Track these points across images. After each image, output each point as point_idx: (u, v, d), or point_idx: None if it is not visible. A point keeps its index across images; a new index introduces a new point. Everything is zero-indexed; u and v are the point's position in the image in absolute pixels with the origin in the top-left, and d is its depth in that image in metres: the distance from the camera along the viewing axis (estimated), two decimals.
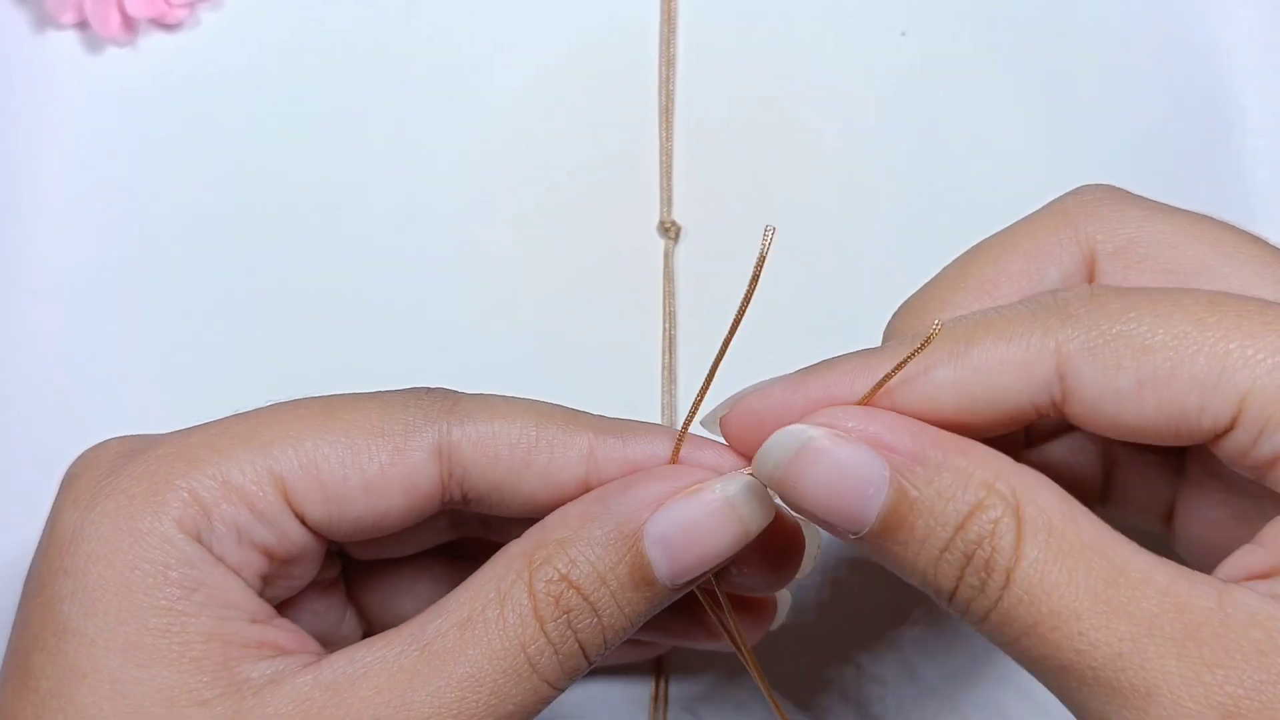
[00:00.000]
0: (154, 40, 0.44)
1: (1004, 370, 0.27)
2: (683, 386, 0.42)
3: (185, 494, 0.28)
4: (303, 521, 0.30)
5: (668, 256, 0.43)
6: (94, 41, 0.44)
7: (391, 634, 0.28)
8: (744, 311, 0.29)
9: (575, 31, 0.45)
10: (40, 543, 0.29)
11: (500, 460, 0.30)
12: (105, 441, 0.31)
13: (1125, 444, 0.32)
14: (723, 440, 0.30)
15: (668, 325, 0.42)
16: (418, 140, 0.44)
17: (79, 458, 0.31)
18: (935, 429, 0.27)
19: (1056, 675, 0.26)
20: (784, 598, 0.35)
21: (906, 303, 0.31)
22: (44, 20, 0.44)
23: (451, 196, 0.43)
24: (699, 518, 0.29)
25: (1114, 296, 0.27)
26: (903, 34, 0.45)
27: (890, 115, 0.44)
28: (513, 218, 0.43)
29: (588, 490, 0.30)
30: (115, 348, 0.42)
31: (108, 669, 0.27)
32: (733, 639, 0.32)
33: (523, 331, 0.42)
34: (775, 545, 0.31)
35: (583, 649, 0.29)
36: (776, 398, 0.29)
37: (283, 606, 0.31)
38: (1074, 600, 0.25)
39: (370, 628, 0.34)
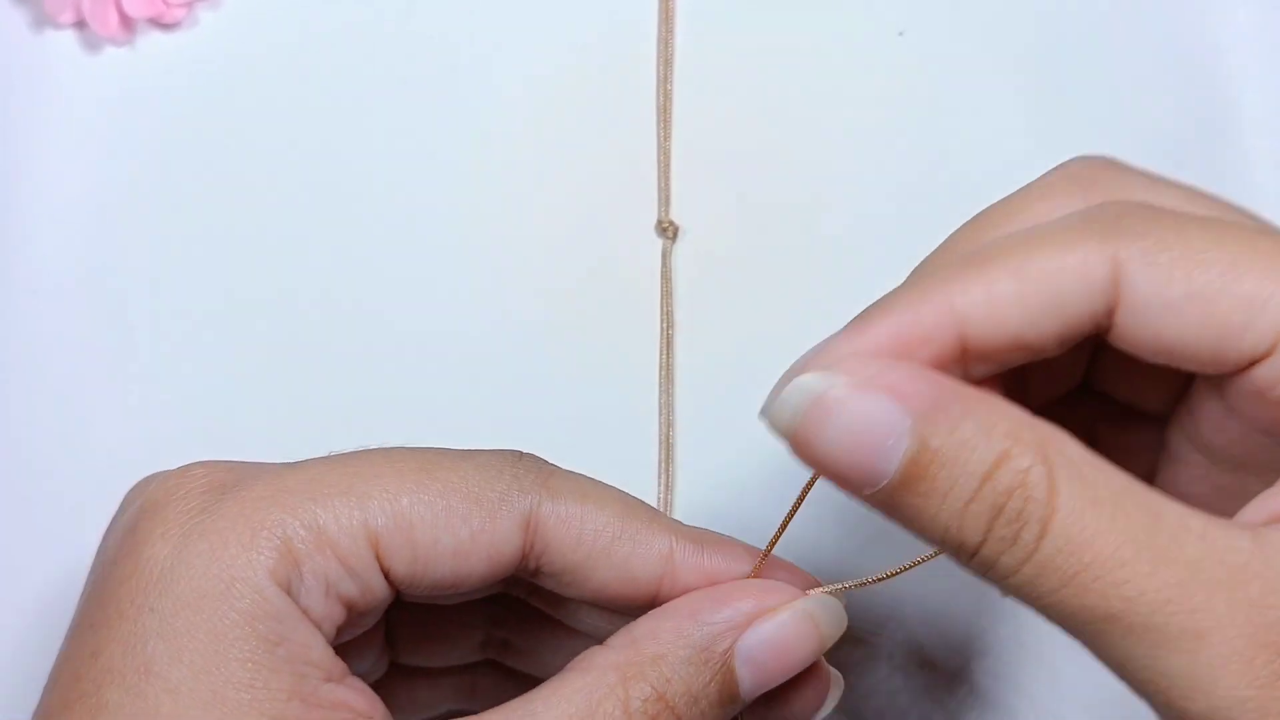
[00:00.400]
0: (152, 40, 0.44)
1: (1064, 279, 0.27)
2: (680, 387, 0.42)
3: (279, 541, 0.28)
4: (386, 576, 0.29)
5: (665, 256, 0.43)
6: (92, 41, 0.44)
7: None
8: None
9: (574, 31, 0.45)
10: (114, 568, 0.28)
11: (583, 544, 0.30)
12: (189, 468, 0.30)
13: (1107, 420, 0.32)
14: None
15: (665, 325, 0.42)
16: (416, 140, 0.44)
17: (160, 483, 0.29)
18: (954, 381, 0.26)
19: (1098, 626, 0.25)
20: None
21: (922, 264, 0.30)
22: (42, 20, 0.44)
23: (449, 195, 0.43)
24: (786, 635, 0.29)
25: (1168, 213, 0.27)
26: (900, 34, 0.45)
27: (888, 115, 0.44)
28: (510, 216, 0.43)
29: (658, 592, 0.30)
30: (115, 348, 0.42)
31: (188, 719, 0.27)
32: None
33: (520, 330, 0.42)
34: (805, 683, 0.31)
35: None
36: (843, 351, 0.27)
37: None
38: (1117, 548, 0.24)
39: (396, 657, 0.34)
